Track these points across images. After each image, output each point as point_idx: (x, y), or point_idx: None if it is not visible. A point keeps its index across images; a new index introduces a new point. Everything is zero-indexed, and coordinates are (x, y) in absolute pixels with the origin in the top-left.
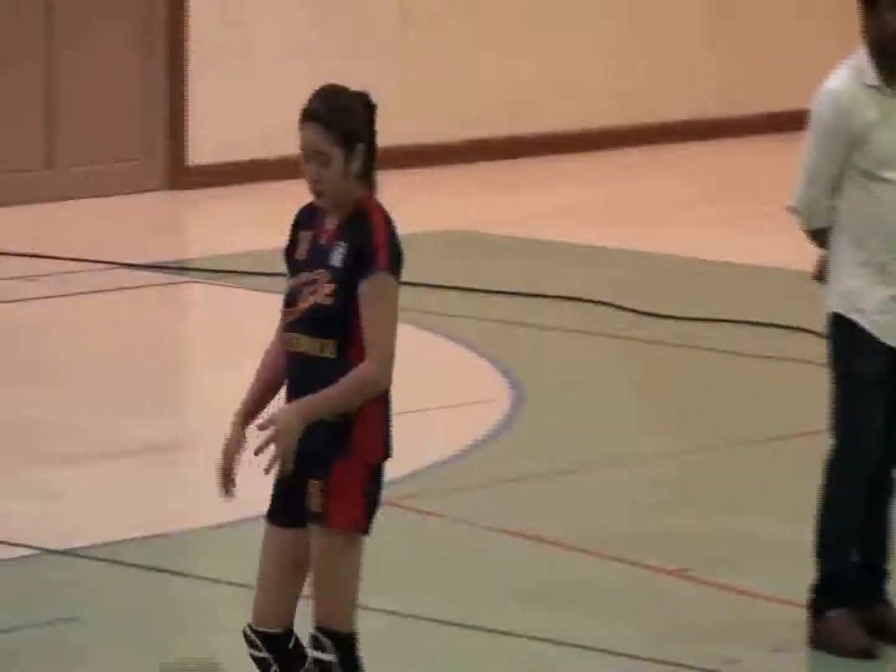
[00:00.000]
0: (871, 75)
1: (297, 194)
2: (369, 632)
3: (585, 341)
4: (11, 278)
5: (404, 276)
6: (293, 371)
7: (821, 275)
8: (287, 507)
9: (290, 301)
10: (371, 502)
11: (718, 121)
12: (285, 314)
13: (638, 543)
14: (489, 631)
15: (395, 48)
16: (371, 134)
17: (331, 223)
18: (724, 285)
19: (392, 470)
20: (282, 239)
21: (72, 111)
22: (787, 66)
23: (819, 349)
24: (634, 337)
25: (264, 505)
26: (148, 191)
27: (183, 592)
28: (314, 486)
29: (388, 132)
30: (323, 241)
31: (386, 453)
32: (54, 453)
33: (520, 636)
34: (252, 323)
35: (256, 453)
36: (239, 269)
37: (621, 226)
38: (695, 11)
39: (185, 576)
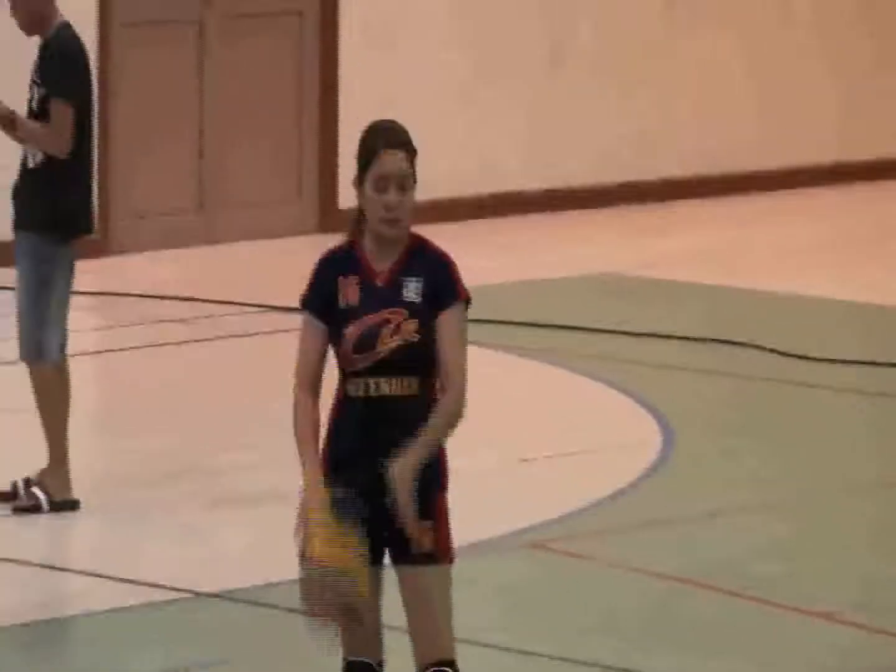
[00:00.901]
0: None
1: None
2: None
3: (737, 384)
4: (168, 321)
5: (558, 320)
6: (370, 416)
7: None
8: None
9: (363, 346)
10: None
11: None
12: (355, 360)
13: (782, 585)
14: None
15: (545, 85)
16: None
17: (380, 263)
18: (869, 327)
19: (545, 513)
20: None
21: (224, 154)
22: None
23: None
24: (786, 379)
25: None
26: (300, 234)
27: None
28: (423, 529)
29: (536, 175)
30: (379, 282)
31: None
32: (202, 496)
33: None
34: None
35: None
36: None
37: (767, 268)
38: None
39: None
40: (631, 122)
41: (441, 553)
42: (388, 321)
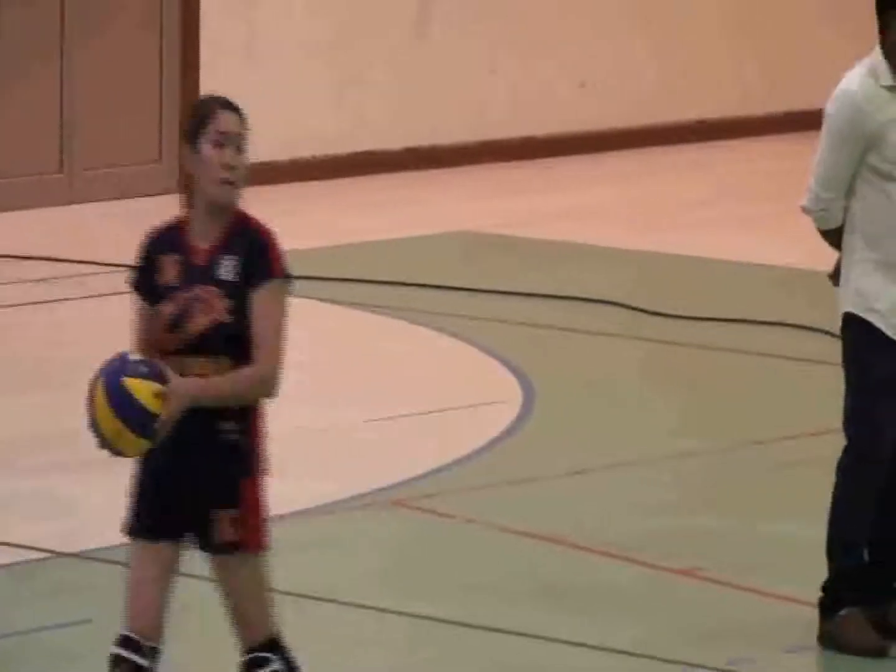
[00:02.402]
0: (886, 76)
1: (311, 196)
2: (389, 635)
3: (599, 342)
4: (30, 281)
5: (421, 278)
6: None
7: (837, 276)
8: (163, 522)
9: (175, 325)
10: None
11: (738, 120)
12: (168, 339)
13: (649, 544)
14: (496, 630)
15: (412, 49)
16: None
17: (203, 241)
18: (739, 285)
19: (406, 471)
20: (292, 242)
21: (86, 114)
22: (804, 66)
23: (833, 349)
24: (647, 337)
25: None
26: (161, 194)
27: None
28: (224, 517)
29: (411, 133)
30: (199, 261)
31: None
32: (59, 461)
33: (528, 636)
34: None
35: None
36: None
37: (637, 227)
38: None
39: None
40: (503, 79)
41: (247, 542)
42: (199, 299)
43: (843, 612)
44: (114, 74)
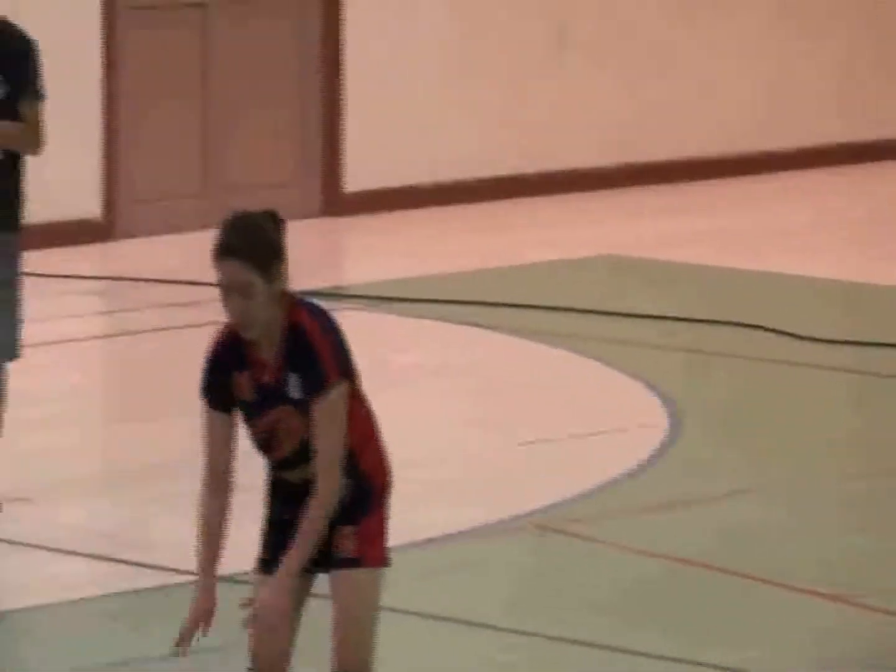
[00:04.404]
0: None
1: (453, 219)
2: (535, 660)
3: (747, 366)
4: (172, 305)
5: (562, 302)
6: (289, 497)
7: None
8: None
9: (266, 446)
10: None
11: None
12: (262, 455)
13: (799, 567)
14: (642, 654)
15: (551, 74)
16: (284, 248)
17: (267, 354)
18: (886, 309)
19: (552, 495)
20: (436, 265)
21: (227, 137)
22: None
23: None
24: (795, 361)
25: None
26: (302, 217)
27: None
28: (344, 532)
29: (539, 157)
30: (266, 378)
31: (390, 475)
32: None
33: (668, 659)
34: (410, 348)
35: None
36: (396, 296)
37: (779, 250)
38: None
39: None
40: (633, 104)
41: (366, 556)
42: (279, 420)
43: None
44: (257, 97)
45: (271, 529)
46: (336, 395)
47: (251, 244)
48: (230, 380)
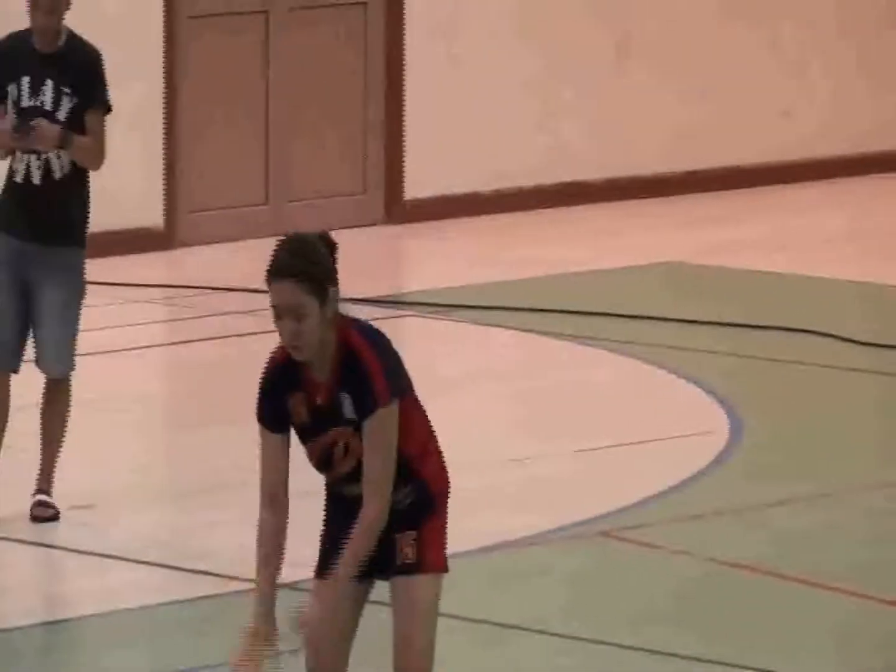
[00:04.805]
0: None
1: (514, 227)
2: (595, 666)
3: (807, 372)
4: (234, 313)
5: (623, 309)
6: (347, 511)
7: None
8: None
9: (322, 467)
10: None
11: None
12: (321, 473)
13: (857, 574)
14: (700, 660)
15: (613, 81)
16: (336, 271)
17: (320, 376)
18: None
19: (613, 502)
20: (496, 272)
21: (289, 146)
22: None
23: None
24: (856, 367)
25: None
26: (366, 225)
27: None
28: (404, 538)
29: (610, 163)
30: (320, 400)
31: (448, 482)
32: None
33: (727, 665)
34: (471, 355)
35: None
36: (457, 303)
37: (845, 256)
38: None
39: None
40: (693, 112)
41: (426, 562)
42: (336, 442)
43: None
44: (319, 106)
45: (329, 542)
46: (387, 415)
47: (305, 266)
48: (285, 402)
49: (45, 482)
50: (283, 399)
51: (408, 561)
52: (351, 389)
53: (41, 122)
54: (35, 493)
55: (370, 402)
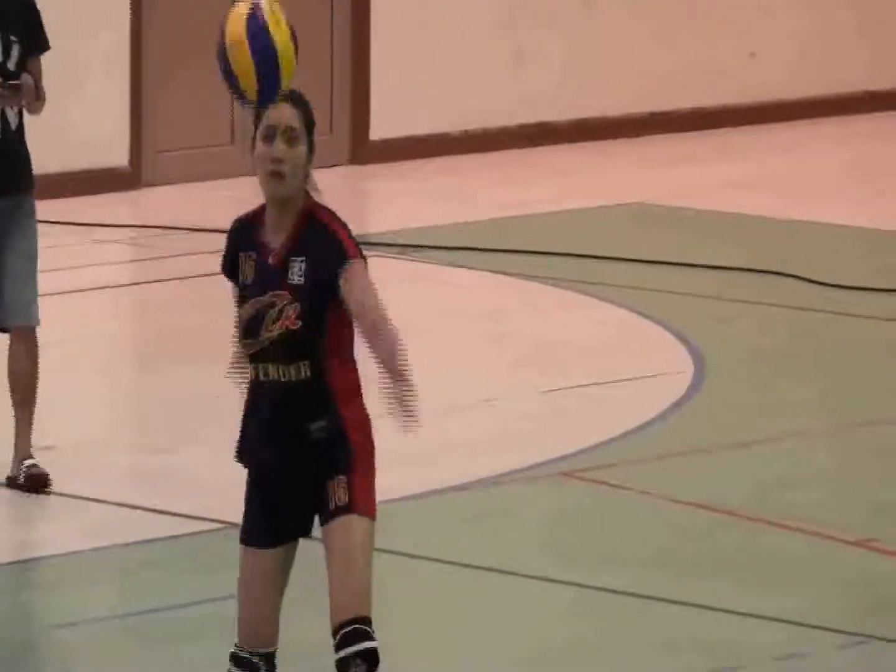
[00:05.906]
0: None
1: (480, 167)
2: (561, 606)
3: (771, 313)
4: (200, 253)
5: (592, 250)
6: (266, 398)
7: None
8: (273, 528)
9: (249, 332)
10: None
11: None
12: (245, 345)
13: (820, 514)
14: (666, 601)
15: (582, 22)
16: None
17: (275, 240)
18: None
19: (577, 442)
20: (463, 212)
21: None
22: None
23: None
24: (819, 308)
25: None
26: (331, 166)
27: None
28: (334, 484)
29: (571, 105)
30: (271, 261)
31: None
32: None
33: (697, 606)
34: (437, 295)
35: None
36: (423, 244)
37: (804, 196)
38: None
39: None
40: (666, 53)
41: (357, 504)
42: (272, 305)
43: None
44: None
45: (250, 423)
46: (361, 268)
47: (304, 103)
48: (237, 260)
49: (26, 445)
50: (236, 256)
51: (340, 504)
52: (308, 253)
53: (27, 79)
54: (22, 459)
55: (341, 255)
